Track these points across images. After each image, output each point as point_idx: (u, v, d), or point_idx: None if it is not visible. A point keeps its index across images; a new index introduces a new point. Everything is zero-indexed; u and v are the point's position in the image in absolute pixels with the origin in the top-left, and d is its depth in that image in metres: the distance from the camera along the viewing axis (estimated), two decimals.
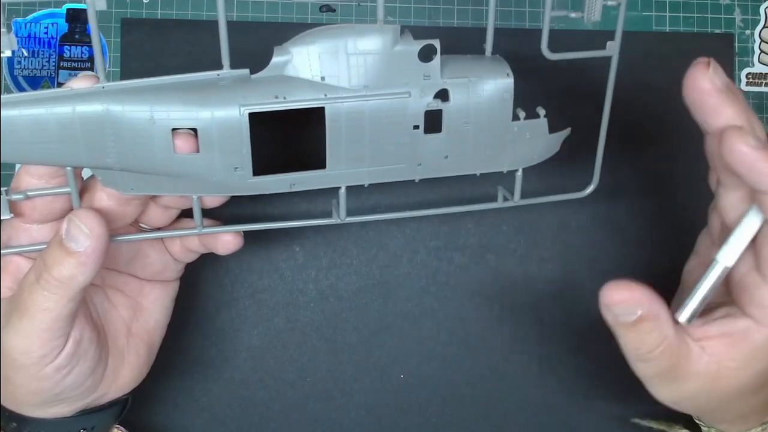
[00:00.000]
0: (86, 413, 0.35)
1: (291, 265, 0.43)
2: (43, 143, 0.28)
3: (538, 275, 0.44)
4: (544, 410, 0.45)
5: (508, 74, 0.31)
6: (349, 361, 0.44)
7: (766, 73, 0.46)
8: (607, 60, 0.33)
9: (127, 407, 0.37)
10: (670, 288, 0.45)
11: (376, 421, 0.44)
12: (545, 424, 0.45)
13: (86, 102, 0.28)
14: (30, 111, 0.28)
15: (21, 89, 0.42)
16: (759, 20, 0.46)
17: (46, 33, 0.42)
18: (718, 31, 0.45)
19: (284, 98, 0.29)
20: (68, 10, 0.42)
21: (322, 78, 0.30)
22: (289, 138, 0.40)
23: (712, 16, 0.45)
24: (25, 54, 0.42)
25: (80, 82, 0.29)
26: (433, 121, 0.31)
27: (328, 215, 0.35)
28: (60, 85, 0.42)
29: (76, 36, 0.43)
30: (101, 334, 0.34)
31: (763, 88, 0.46)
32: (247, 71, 0.30)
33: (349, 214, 0.34)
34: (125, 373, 0.35)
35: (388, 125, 0.31)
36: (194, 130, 0.29)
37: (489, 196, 0.36)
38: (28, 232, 0.32)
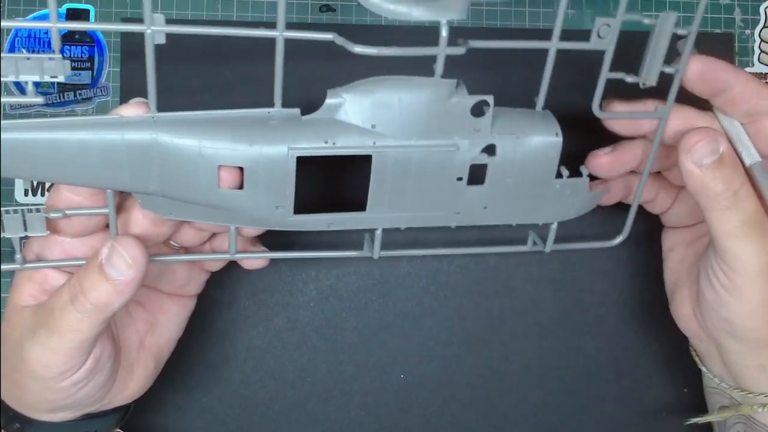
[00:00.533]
0: (90, 417, 0.35)
1: (291, 265, 0.43)
2: (88, 167, 0.28)
3: (538, 275, 0.44)
4: (544, 410, 0.45)
5: (557, 134, 0.31)
6: (349, 361, 0.44)
7: (766, 73, 0.46)
8: None
9: (129, 412, 0.38)
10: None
11: (376, 421, 0.44)
12: (545, 424, 0.45)
13: (135, 130, 0.28)
14: (77, 135, 0.28)
15: (21, 89, 0.42)
16: (759, 20, 0.46)
17: (46, 33, 0.42)
18: (718, 31, 0.45)
19: (333, 143, 0.29)
20: (68, 10, 0.42)
21: (373, 126, 0.30)
22: (332, 179, 0.40)
23: (712, 16, 0.45)
24: (25, 54, 0.42)
25: (131, 109, 0.28)
26: (476, 173, 0.31)
27: (356, 244, 0.35)
28: (60, 85, 0.42)
29: (77, 36, 0.42)
30: (118, 349, 0.34)
31: None
32: (297, 111, 0.30)
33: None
34: (132, 385, 0.36)
35: (433, 175, 0.31)
36: (240, 167, 0.29)
37: (517, 237, 0.36)
38: (61, 245, 0.32)
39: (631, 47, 0.31)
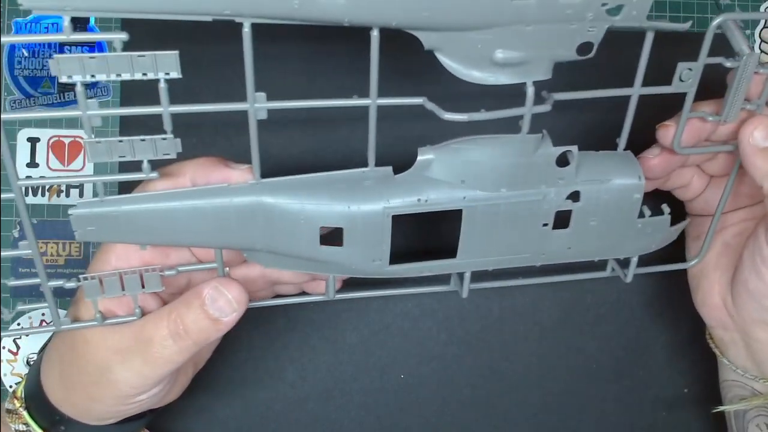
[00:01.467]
0: (125, 421, 0.35)
1: None
2: (200, 231, 0.30)
3: (538, 275, 0.44)
4: (544, 410, 0.45)
5: (639, 177, 0.32)
6: (349, 361, 0.44)
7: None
8: None
9: (157, 410, 0.38)
10: (669, 286, 0.45)
11: (376, 421, 0.44)
12: (545, 424, 0.45)
13: (242, 195, 0.30)
14: (191, 203, 0.29)
15: (21, 89, 0.42)
16: (759, 20, 0.46)
17: (46, 32, 0.42)
18: (718, 31, 0.45)
19: (425, 201, 0.31)
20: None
21: (463, 181, 0.31)
22: (425, 228, 0.42)
23: (712, 16, 0.45)
24: (26, 54, 0.42)
25: (239, 175, 0.30)
26: (561, 217, 0.32)
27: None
28: (60, 85, 0.42)
29: None
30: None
31: None
32: (390, 170, 0.31)
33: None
34: (175, 391, 0.36)
35: (520, 224, 0.32)
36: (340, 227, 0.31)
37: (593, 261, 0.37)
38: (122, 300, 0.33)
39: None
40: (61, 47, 0.43)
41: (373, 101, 0.28)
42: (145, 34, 0.41)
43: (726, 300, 0.37)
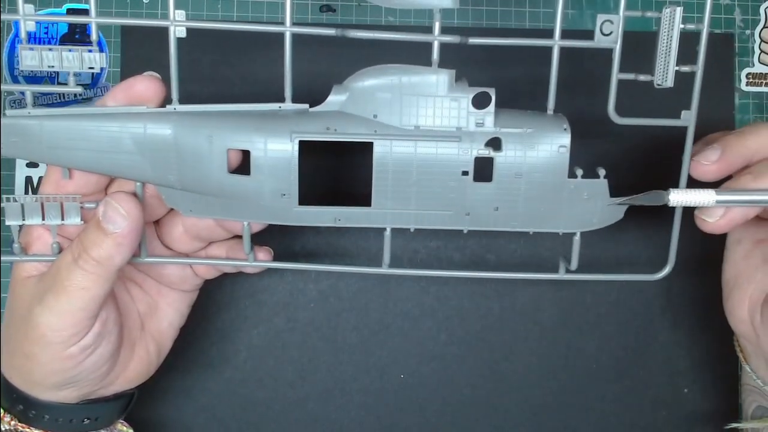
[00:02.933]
0: (92, 402, 0.35)
1: None
2: (115, 156, 0.30)
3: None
4: (544, 410, 0.45)
5: (565, 129, 0.31)
6: (349, 361, 0.44)
7: (766, 73, 0.46)
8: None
9: (132, 402, 0.38)
10: (669, 287, 0.45)
11: (376, 421, 0.44)
12: (545, 424, 0.45)
13: (157, 122, 0.30)
14: (106, 125, 0.30)
15: (16, 81, 0.42)
16: (759, 20, 0.46)
17: (46, 33, 0.42)
18: (718, 31, 0.45)
19: (335, 130, 0.30)
20: (68, 10, 0.42)
21: (375, 116, 0.30)
22: (337, 174, 0.40)
23: (712, 16, 0.45)
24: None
25: (143, 82, 0.31)
26: (483, 170, 0.31)
27: (367, 253, 0.35)
28: (60, 84, 0.42)
29: (76, 36, 0.42)
30: (122, 319, 0.35)
31: (763, 88, 0.46)
32: (306, 106, 0.31)
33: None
34: (133, 366, 0.36)
35: (437, 167, 0.31)
36: (247, 152, 0.31)
37: (540, 257, 0.36)
38: (42, 240, 0.33)
39: (645, 49, 0.31)
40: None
41: (288, 29, 0.29)
42: (144, 34, 0.41)
43: (754, 318, 0.36)
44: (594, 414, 0.45)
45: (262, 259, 0.35)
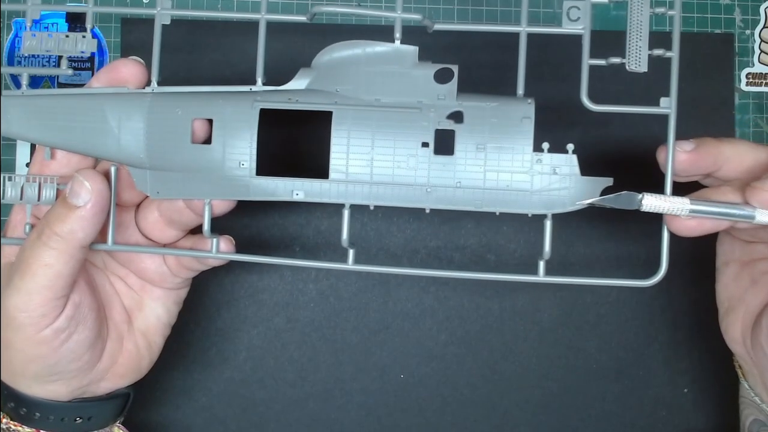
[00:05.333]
0: (84, 401, 0.35)
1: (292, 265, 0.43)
2: (91, 134, 0.32)
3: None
4: (544, 410, 0.45)
5: (529, 102, 0.31)
6: (349, 361, 0.44)
7: (766, 73, 0.46)
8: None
9: (128, 404, 0.37)
10: (669, 287, 0.45)
11: (376, 421, 0.44)
12: (545, 424, 0.45)
13: (135, 100, 0.32)
14: (86, 102, 0.32)
15: (17, 83, 0.42)
16: (759, 20, 0.46)
17: (47, 29, 0.42)
18: (718, 31, 0.45)
19: (297, 101, 0.31)
20: (69, 15, 0.42)
21: (337, 90, 0.31)
22: (298, 148, 0.40)
23: (712, 16, 0.45)
24: (26, 54, 0.42)
25: (126, 65, 0.32)
26: (445, 144, 0.30)
27: (366, 252, 0.35)
28: (60, 85, 0.42)
29: None
30: (101, 307, 0.35)
31: (763, 88, 0.46)
32: (276, 88, 0.32)
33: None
34: (122, 361, 0.35)
35: (396, 138, 0.31)
36: (210, 121, 0.32)
37: (512, 251, 0.35)
38: (22, 225, 0.34)
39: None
40: None
41: (262, 17, 0.32)
42: (144, 34, 0.41)
43: (746, 341, 0.36)
44: (594, 414, 0.45)
45: (224, 249, 0.34)
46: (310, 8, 0.31)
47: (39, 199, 0.32)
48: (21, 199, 0.32)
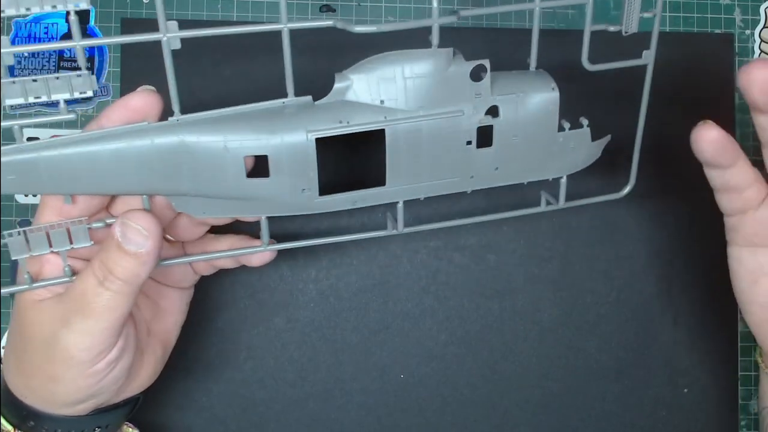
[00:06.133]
0: (101, 411, 0.35)
1: (291, 265, 0.43)
2: (123, 175, 0.30)
3: (538, 275, 0.44)
4: (544, 410, 0.45)
5: (553, 88, 0.33)
6: (349, 361, 0.44)
7: None
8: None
9: (138, 405, 0.38)
10: (669, 287, 0.45)
11: (376, 421, 0.44)
12: (545, 423, 0.45)
13: (163, 135, 0.30)
14: (111, 146, 0.29)
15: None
16: (759, 20, 0.46)
17: (46, 33, 0.42)
18: (718, 31, 0.45)
19: (347, 122, 0.31)
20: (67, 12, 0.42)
21: (381, 102, 0.31)
22: (351, 158, 0.41)
23: (712, 16, 0.45)
24: (26, 54, 0.42)
25: (139, 97, 0.30)
26: (484, 136, 0.33)
27: (371, 225, 0.35)
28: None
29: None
30: (137, 328, 0.35)
31: None
32: (310, 98, 0.31)
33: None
34: (143, 372, 0.36)
35: (444, 142, 0.32)
36: (265, 156, 0.31)
37: (528, 200, 0.37)
38: (51, 263, 0.33)
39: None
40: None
41: (285, 25, 0.30)
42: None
43: None
44: (594, 414, 0.45)
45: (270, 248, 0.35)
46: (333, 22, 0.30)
47: (72, 244, 0.31)
48: (50, 247, 0.31)
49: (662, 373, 0.45)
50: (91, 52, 0.43)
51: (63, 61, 0.42)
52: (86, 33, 0.42)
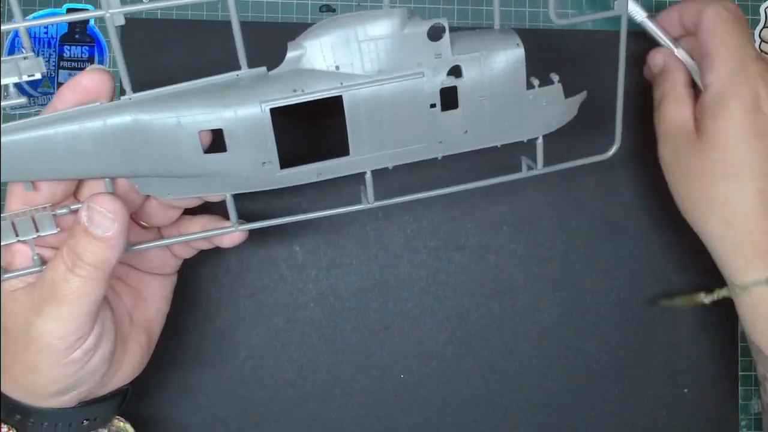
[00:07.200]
0: (89, 404, 0.35)
1: (291, 264, 0.43)
2: (80, 158, 0.29)
3: (538, 275, 0.44)
4: (544, 410, 0.45)
5: (518, 44, 0.32)
6: (349, 361, 0.44)
7: None
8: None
9: (127, 398, 0.37)
10: (669, 287, 0.45)
11: (376, 421, 0.44)
12: (545, 424, 0.45)
13: (115, 114, 0.29)
14: (64, 128, 0.29)
15: (20, 89, 0.42)
16: (759, 20, 0.46)
17: (46, 33, 0.42)
18: None
19: (302, 91, 0.30)
20: (68, 10, 0.42)
21: (337, 67, 0.31)
22: (312, 129, 0.40)
23: None
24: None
25: (89, 77, 0.30)
26: (449, 98, 0.32)
27: (351, 203, 0.35)
28: (60, 84, 0.42)
29: (76, 36, 0.43)
30: (114, 315, 0.35)
31: None
32: (264, 69, 0.31)
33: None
34: (127, 362, 0.36)
35: (406, 106, 0.31)
36: (220, 130, 0.30)
37: (511, 167, 0.36)
38: (21, 252, 0.33)
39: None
40: (61, 47, 0.43)
41: None
42: (144, 34, 0.41)
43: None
44: (594, 414, 0.45)
45: (240, 228, 0.35)
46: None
47: (38, 232, 0.31)
48: (17, 236, 0.31)
49: (662, 373, 0.45)
50: (90, 52, 0.43)
51: (63, 61, 0.42)
52: (86, 32, 0.42)
